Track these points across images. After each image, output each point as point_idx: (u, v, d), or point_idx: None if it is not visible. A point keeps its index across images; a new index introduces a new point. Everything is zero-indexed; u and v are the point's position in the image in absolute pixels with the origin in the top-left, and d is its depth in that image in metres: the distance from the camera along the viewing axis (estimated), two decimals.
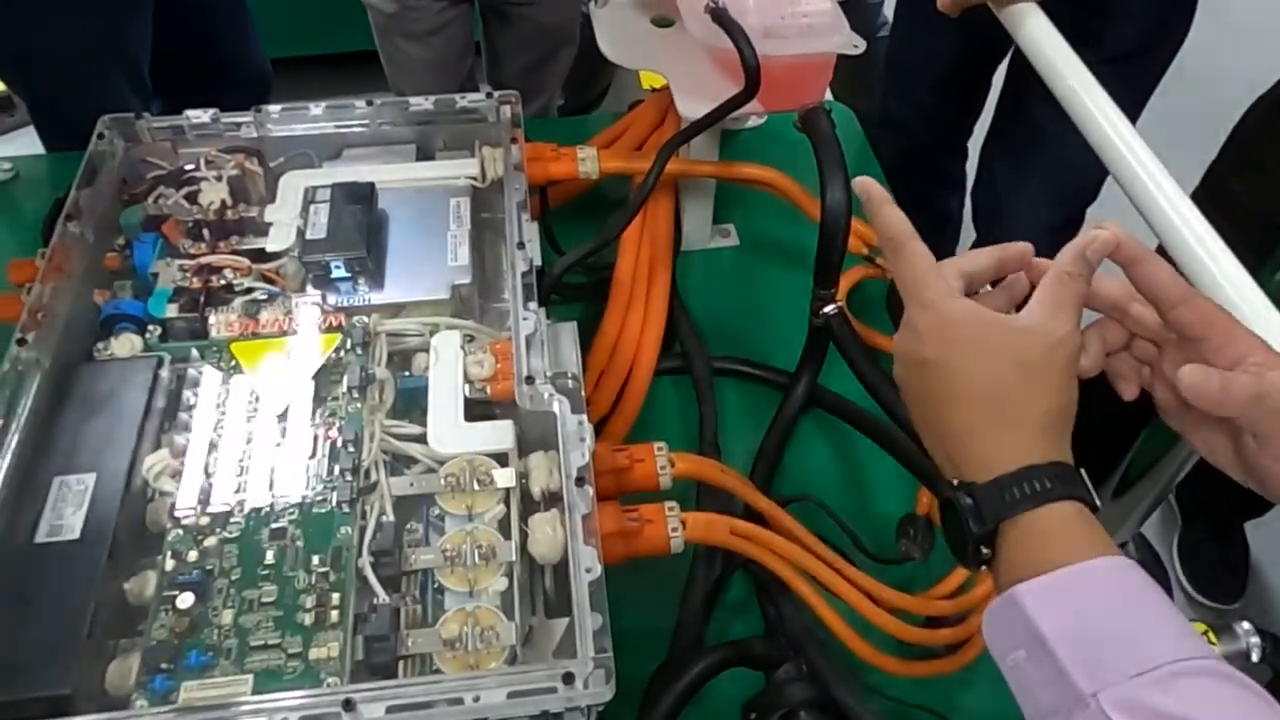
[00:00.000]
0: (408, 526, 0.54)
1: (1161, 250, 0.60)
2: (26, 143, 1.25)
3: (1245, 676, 0.35)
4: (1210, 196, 0.99)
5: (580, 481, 0.51)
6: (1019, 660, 0.37)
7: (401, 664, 0.49)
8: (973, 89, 1.35)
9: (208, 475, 0.53)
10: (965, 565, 0.41)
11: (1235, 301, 0.56)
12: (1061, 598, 0.37)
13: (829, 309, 0.68)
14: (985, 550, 0.40)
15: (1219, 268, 0.57)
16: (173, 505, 0.51)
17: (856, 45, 0.66)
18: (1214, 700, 0.34)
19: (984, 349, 0.42)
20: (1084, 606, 0.37)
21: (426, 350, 0.61)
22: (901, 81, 1.38)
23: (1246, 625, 0.58)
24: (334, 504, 0.52)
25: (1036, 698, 0.37)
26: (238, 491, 0.52)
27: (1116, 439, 1.08)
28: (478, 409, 0.58)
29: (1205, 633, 0.57)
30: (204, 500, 0.52)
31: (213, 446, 0.54)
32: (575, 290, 0.83)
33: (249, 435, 0.55)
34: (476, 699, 0.43)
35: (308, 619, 0.47)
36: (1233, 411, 0.41)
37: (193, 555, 0.49)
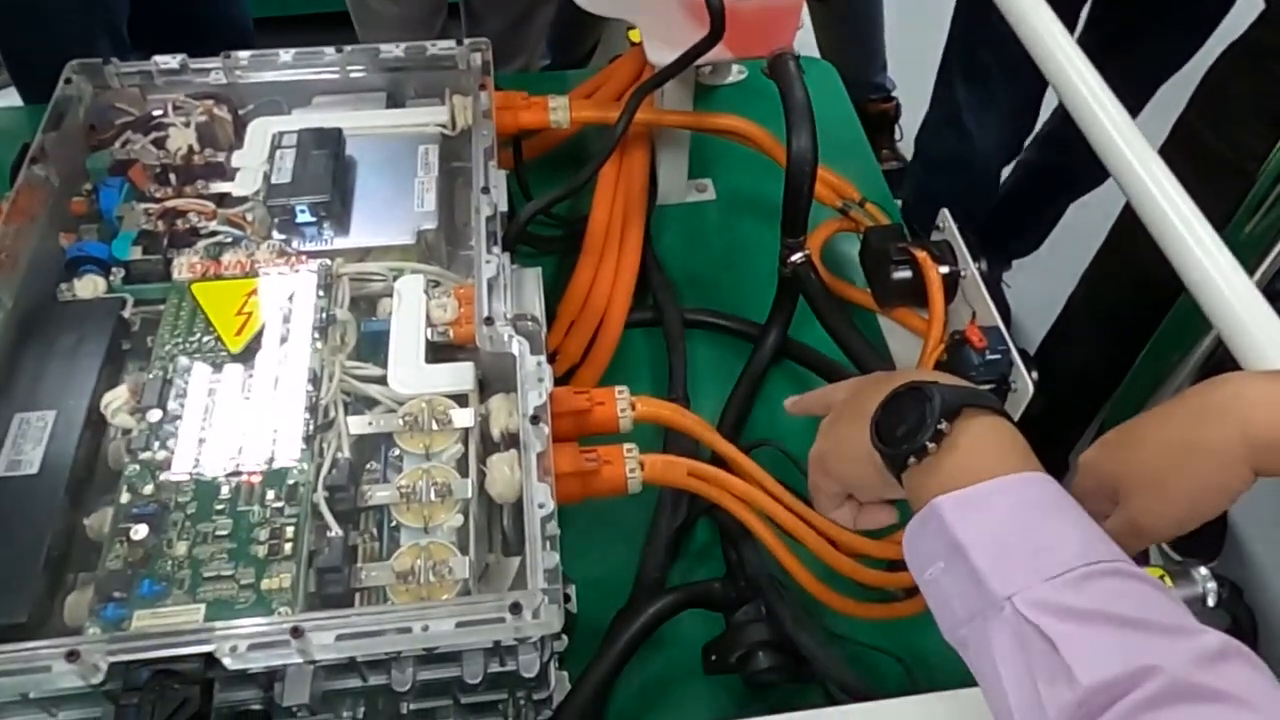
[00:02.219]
0: (367, 466, 0.54)
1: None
2: (7, 102, 1.25)
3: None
4: (1180, 146, 0.99)
5: (535, 420, 0.51)
6: (937, 572, 0.39)
7: (357, 597, 0.49)
8: None
9: (166, 412, 0.53)
10: (900, 459, 0.42)
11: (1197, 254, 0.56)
12: (980, 508, 0.39)
13: (796, 257, 0.68)
14: (931, 445, 0.40)
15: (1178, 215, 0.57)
16: (130, 441, 0.52)
17: None
18: (1119, 594, 0.35)
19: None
20: (1002, 517, 0.38)
21: (391, 295, 0.61)
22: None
23: (1204, 570, 0.59)
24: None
25: (953, 608, 0.38)
26: (197, 429, 0.52)
27: (1092, 392, 1.08)
28: (441, 353, 0.59)
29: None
30: (161, 437, 0.52)
31: (171, 384, 0.54)
32: (550, 243, 0.83)
33: (209, 375, 0.55)
34: (425, 628, 0.44)
35: (261, 551, 0.48)
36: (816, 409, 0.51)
37: (149, 489, 0.49)
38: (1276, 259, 0.85)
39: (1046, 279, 1.53)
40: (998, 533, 0.38)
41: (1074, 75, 0.59)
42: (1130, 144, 0.61)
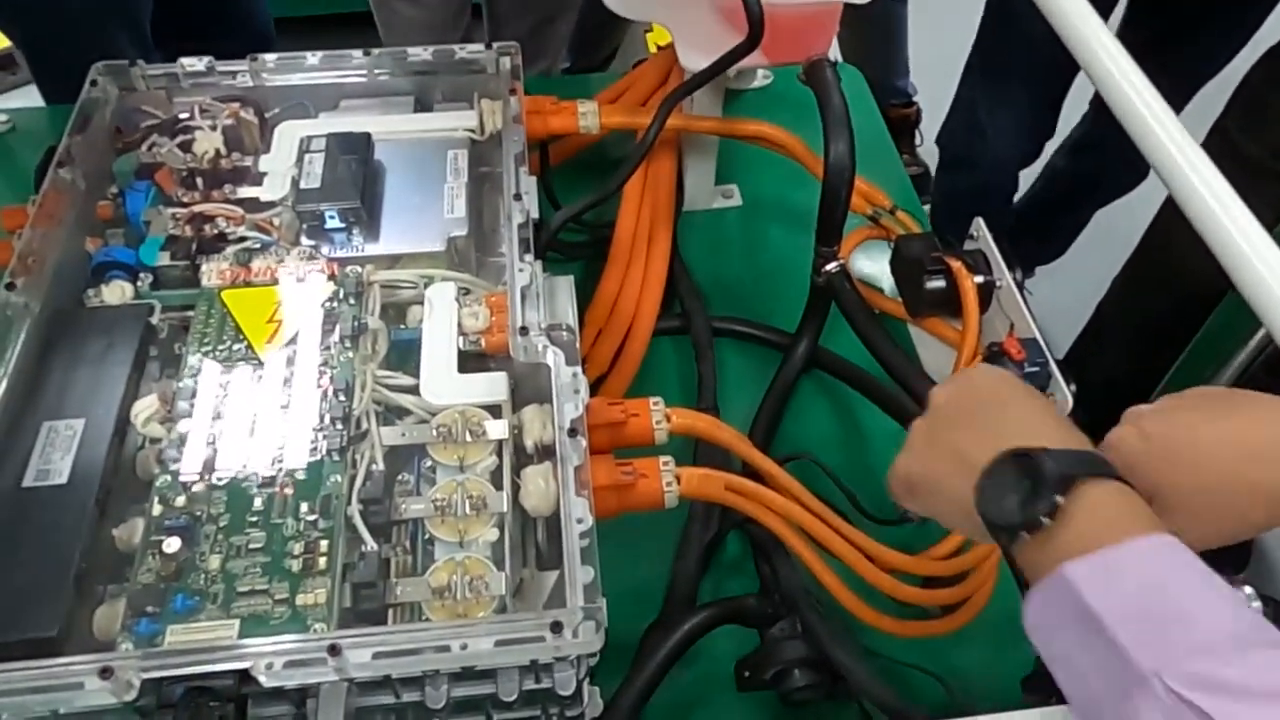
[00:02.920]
0: (400, 477, 0.53)
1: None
2: (29, 100, 1.24)
3: None
4: (1216, 153, 0.98)
5: (573, 433, 0.50)
6: (1067, 645, 0.35)
7: (391, 613, 0.48)
8: None
9: (197, 422, 0.52)
10: (1009, 537, 0.38)
11: (1247, 253, 0.54)
12: (1114, 574, 0.35)
13: (831, 266, 0.67)
14: (1045, 519, 0.37)
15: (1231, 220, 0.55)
16: (161, 451, 0.51)
17: None
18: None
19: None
20: (1137, 584, 0.35)
21: (422, 303, 0.60)
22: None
23: (1249, 590, 0.57)
24: (324, 452, 0.51)
25: (1088, 682, 0.35)
26: (228, 439, 0.52)
27: (1125, 402, 1.07)
28: (472, 362, 0.58)
29: None
30: (193, 447, 0.51)
31: (202, 393, 0.53)
32: (577, 249, 0.82)
33: (240, 383, 0.54)
34: (464, 647, 0.43)
35: (295, 565, 0.47)
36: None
37: (180, 501, 0.49)
38: None
39: (1067, 286, 1.51)
40: (1137, 601, 0.34)
41: (1115, 71, 0.57)
42: (1175, 140, 0.60)
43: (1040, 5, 0.60)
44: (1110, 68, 0.60)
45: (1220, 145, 0.99)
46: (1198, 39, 1.20)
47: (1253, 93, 0.99)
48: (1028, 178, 1.54)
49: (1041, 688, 0.49)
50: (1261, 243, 0.54)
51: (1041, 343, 0.64)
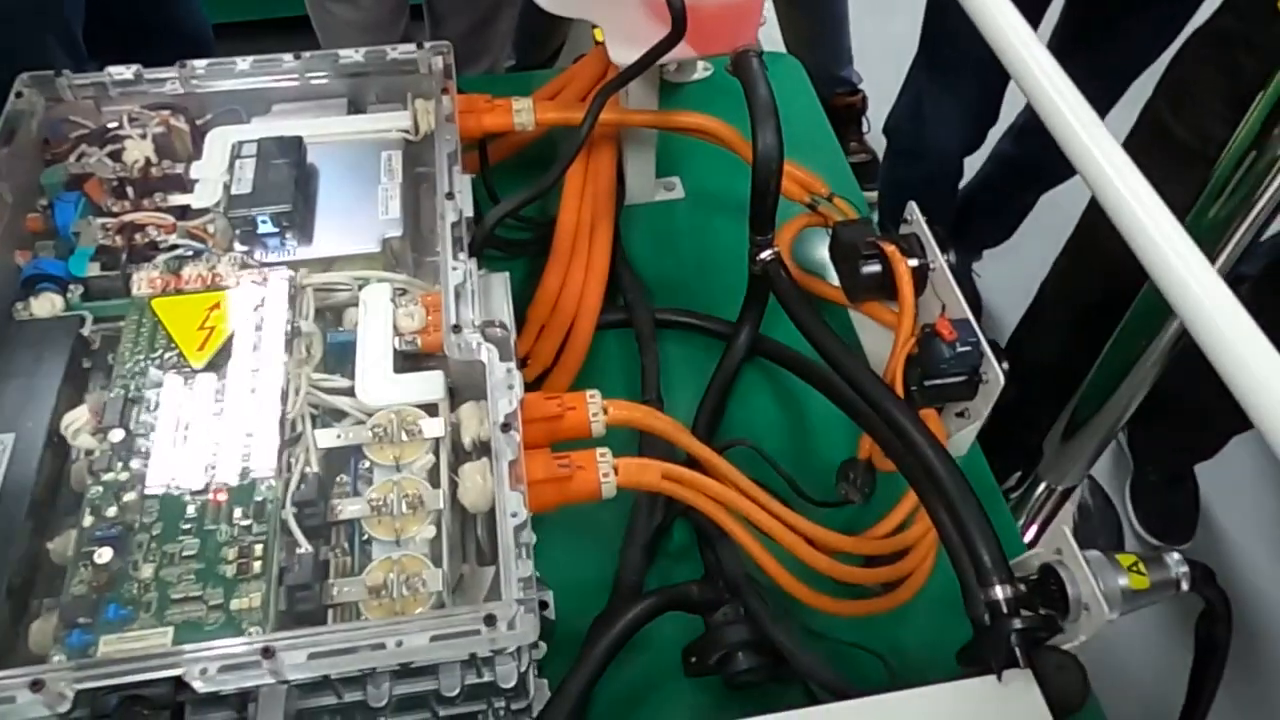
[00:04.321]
0: (338, 479, 0.53)
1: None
2: None
3: None
4: (1147, 134, 1.00)
5: (506, 428, 0.51)
6: None
7: (330, 614, 0.48)
8: None
9: (129, 432, 0.52)
10: None
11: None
12: None
13: (765, 255, 0.68)
14: None
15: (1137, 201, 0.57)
16: (92, 462, 0.51)
17: None
18: None
19: None
20: None
21: (357, 305, 0.60)
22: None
23: (1176, 555, 0.59)
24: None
25: None
26: (160, 447, 0.51)
27: (1062, 381, 1.09)
28: (410, 362, 0.58)
29: (1135, 563, 0.58)
30: (124, 457, 0.51)
31: (134, 403, 0.53)
32: (520, 246, 0.83)
33: (171, 391, 0.54)
34: (399, 643, 0.43)
35: (230, 571, 0.47)
36: None
37: (112, 511, 0.48)
38: (1240, 243, 0.86)
39: (1017, 268, 1.54)
40: None
41: (1036, 68, 0.58)
42: (1091, 134, 0.61)
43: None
44: (1030, 65, 0.61)
45: (1152, 126, 1.01)
46: (1132, 28, 1.22)
47: (1180, 73, 1.01)
48: (974, 164, 1.56)
49: (976, 659, 0.50)
50: (1174, 232, 0.56)
51: (973, 322, 0.65)
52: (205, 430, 0.52)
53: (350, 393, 0.55)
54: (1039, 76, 0.60)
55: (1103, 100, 1.29)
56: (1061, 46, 1.29)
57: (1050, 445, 1.16)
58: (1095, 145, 0.60)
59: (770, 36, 1.85)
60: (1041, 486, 1.22)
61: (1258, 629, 1.37)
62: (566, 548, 0.65)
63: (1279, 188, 0.80)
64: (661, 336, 0.77)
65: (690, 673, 0.59)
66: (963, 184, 1.55)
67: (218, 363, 0.55)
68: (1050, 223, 1.55)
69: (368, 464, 0.53)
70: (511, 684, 0.47)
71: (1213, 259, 0.89)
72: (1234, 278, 0.89)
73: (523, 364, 0.73)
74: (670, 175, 0.92)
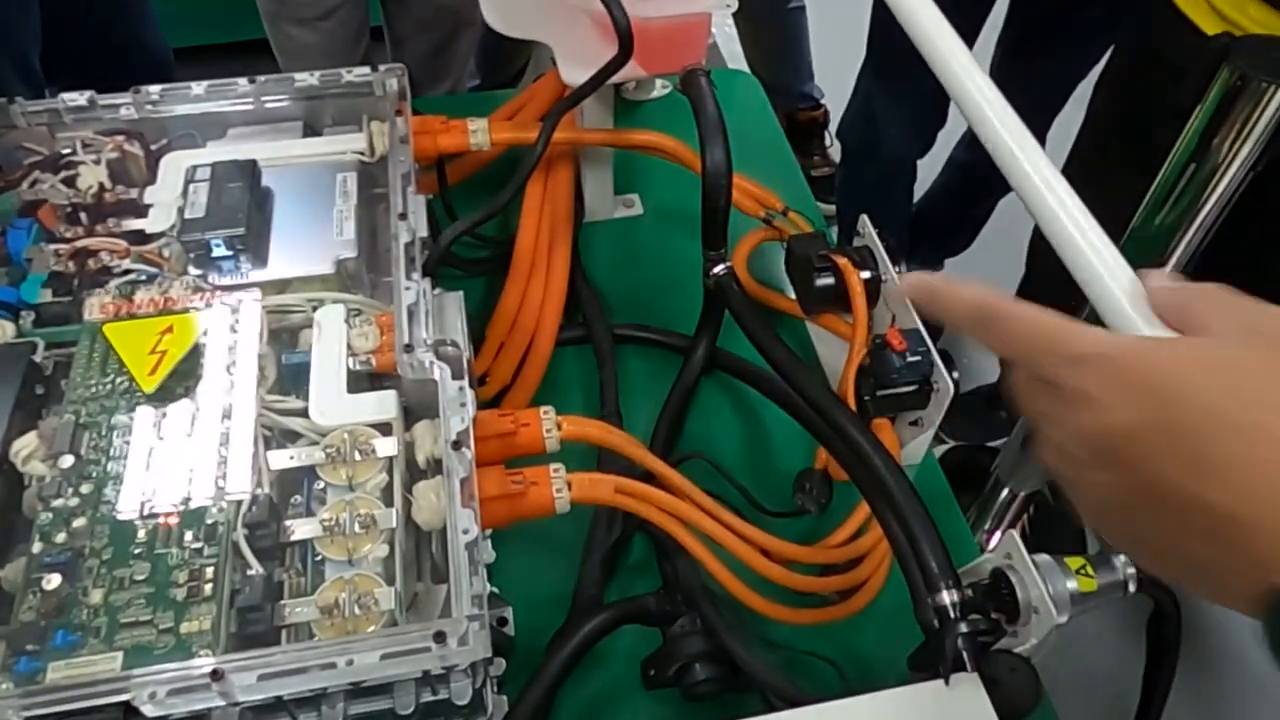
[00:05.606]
0: (291, 500, 0.54)
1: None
2: None
3: None
4: (1089, 141, 1.01)
5: (458, 445, 0.51)
6: None
7: (283, 635, 0.48)
8: None
9: (79, 458, 0.52)
10: None
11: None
12: None
13: (718, 269, 0.69)
14: None
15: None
16: (42, 488, 0.50)
17: (729, 4, 0.67)
18: None
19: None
20: None
21: (312, 327, 0.60)
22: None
23: (1123, 558, 0.60)
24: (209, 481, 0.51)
25: None
26: (110, 472, 0.51)
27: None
28: (365, 382, 0.58)
29: (1083, 566, 0.59)
30: (75, 482, 0.51)
31: (84, 429, 0.53)
32: (479, 265, 0.83)
33: (122, 416, 0.54)
34: (350, 663, 0.43)
35: (180, 594, 0.47)
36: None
37: (61, 537, 0.48)
38: (1186, 250, 0.88)
39: (976, 277, 1.56)
40: None
41: (972, 88, 0.60)
42: (1026, 154, 0.62)
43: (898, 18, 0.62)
44: (966, 84, 0.62)
45: (1093, 134, 1.03)
46: (1074, 34, 1.25)
47: (1115, 75, 1.03)
48: (931, 171, 1.58)
49: (925, 663, 0.51)
50: (1107, 252, 0.56)
51: (923, 332, 0.66)
52: (157, 454, 0.52)
53: (304, 414, 0.56)
54: (977, 99, 0.61)
55: (1051, 106, 1.31)
56: (1006, 50, 1.31)
57: (1009, 451, 1.17)
58: (1031, 167, 0.61)
59: (735, 55, 1.88)
60: (1004, 492, 1.23)
61: (1208, 625, 1.39)
62: (527, 564, 0.65)
63: (1220, 196, 0.82)
64: (621, 352, 0.78)
65: (649, 685, 0.59)
66: (921, 193, 1.58)
67: (169, 386, 0.55)
68: (1011, 233, 1.58)
69: (321, 485, 0.53)
70: (466, 700, 0.48)
71: (1162, 263, 0.91)
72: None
73: (482, 381, 0.74)
74: (630, 192, 0.93)
